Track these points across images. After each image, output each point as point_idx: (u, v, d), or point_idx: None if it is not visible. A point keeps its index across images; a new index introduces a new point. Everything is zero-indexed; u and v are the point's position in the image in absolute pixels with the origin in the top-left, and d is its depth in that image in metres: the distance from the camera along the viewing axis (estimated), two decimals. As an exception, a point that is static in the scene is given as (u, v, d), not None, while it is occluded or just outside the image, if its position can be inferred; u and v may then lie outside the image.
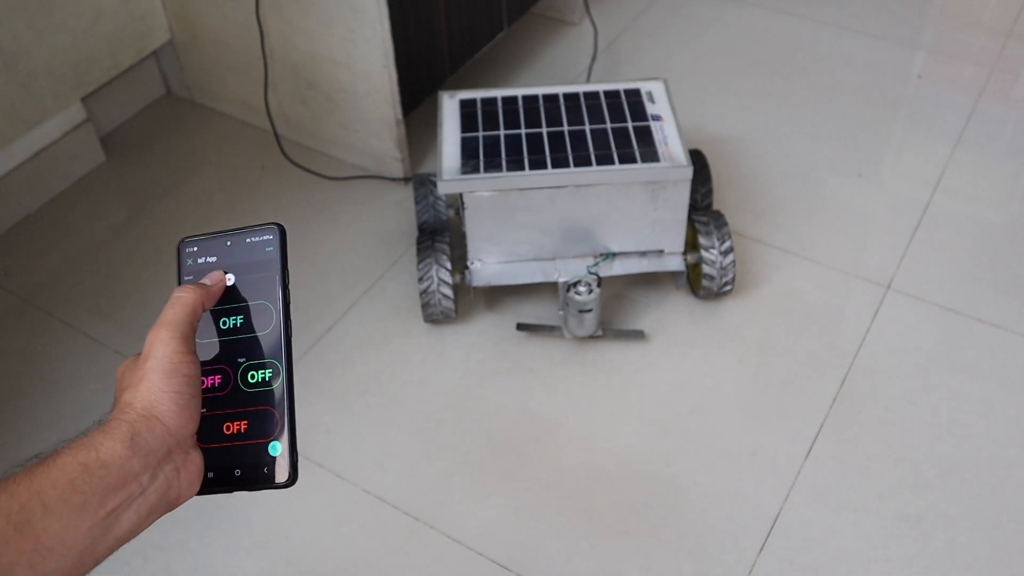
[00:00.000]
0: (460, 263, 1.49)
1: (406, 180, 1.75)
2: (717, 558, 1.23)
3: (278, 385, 0.53)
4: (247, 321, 0.54)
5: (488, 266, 1.47)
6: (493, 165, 1.39)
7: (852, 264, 1.60)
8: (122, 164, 1.85)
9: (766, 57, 2.06)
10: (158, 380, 0.50)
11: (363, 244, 1.66)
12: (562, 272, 1.45)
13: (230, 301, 0.54)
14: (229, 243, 0.55)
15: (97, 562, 0.47)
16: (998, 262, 1.61)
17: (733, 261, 1.44)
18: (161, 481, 0.49)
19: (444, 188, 1.38)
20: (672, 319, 1.52)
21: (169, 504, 0.50)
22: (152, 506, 0.48)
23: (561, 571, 1.23)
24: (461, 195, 1.39)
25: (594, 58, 2.00)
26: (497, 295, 1.55)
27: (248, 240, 0.54)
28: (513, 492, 1.31)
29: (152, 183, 1.81)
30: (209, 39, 1.81)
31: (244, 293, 0.54)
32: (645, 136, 1.44)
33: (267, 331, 0.53)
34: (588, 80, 1.97)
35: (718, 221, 1.47)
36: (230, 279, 0.54)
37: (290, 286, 0.54)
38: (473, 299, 1.53)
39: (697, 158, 1.59)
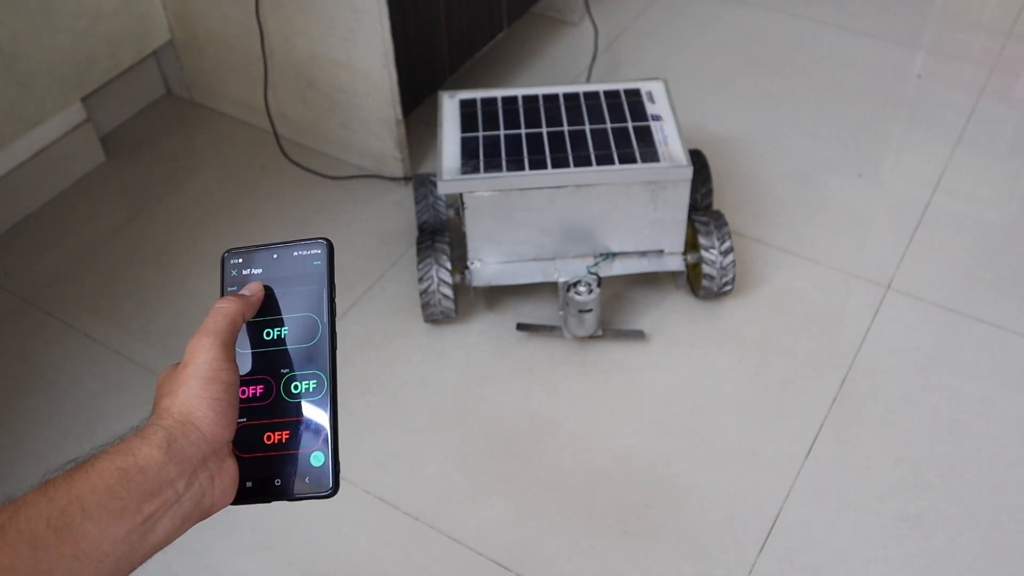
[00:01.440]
0: (460, 263, 1.49)
1: (406, 180, 1.75)
2: (717, 558, 1.23)
3: (322, 396, 0.53)
4: (291, 333, 0.54)
5: (488, 266, 1.46)
6: (493, 165, 1.39)
7: (852, 264, 1.60)
8: (122, 164, 1.85)
9: (766, 57, 2.07)
10: (196, 386, 0.50)
11: (363, 244, 1.66)
12: (562, 272, 1.45)
13: (274, 312, 0.54)
14: (275, 256, 0.55)
15: (133, 568, 0.47)
16: (998, 262, 1.61)
17: (733, 261, 1.44)
18: (196, 489, 0.49)
19: (444, 188, 1.38)
20: (672, 319, 1.52)
21: (203, 512, 0.50)
22: (187, 513, 0.48)
23: (561, 571, 1.23)
24: (461, 195, 1.39)
25: (594, 58, 2.00)
26: (497, 295, 1.55)
27: (295, 253, 0.55)
28: (513, 492, 1.31)
29: (152, 183, 1.81)
30: (209, 39, 1.81)
31: (289, 305, 0.54)
32: (645, 136, 1.43)
33: (312, 343, 0.53)
34: (588, 80, 1.97)
35: (718, 221, 1.47)
36: (271, 291, 0.55)
37: (336, 300, 0.55)
38: (473, 299, 1.53)
39: (697, 158, 1.59)
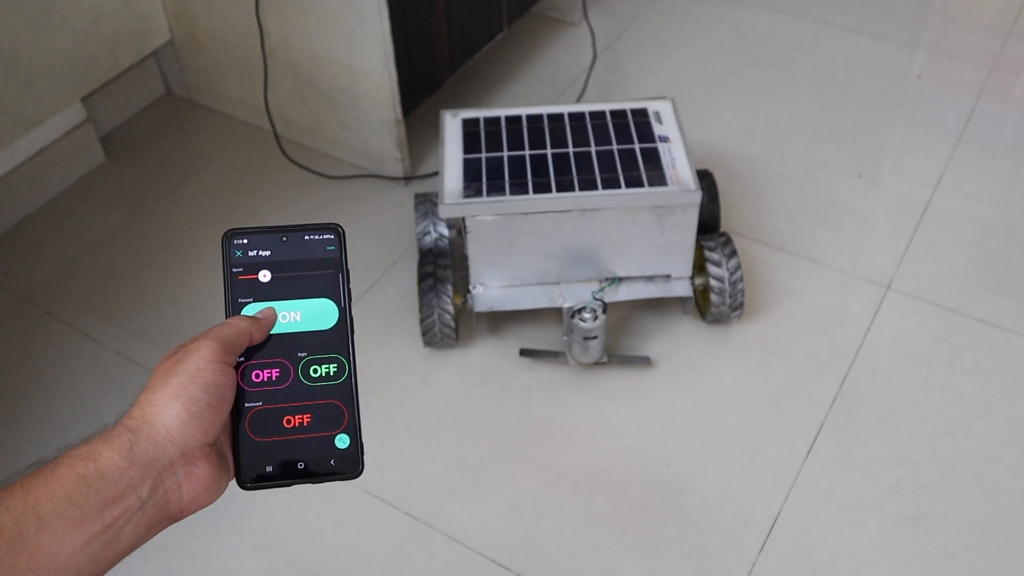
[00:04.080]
0: (462, 285, 1.45)
1: (406, 180, 1.75)
2: (717, 558, 1.23)
3: (344, 380, 0.53)
4: (307, 316, 0.54)
5: (491, 290, 1.42)
6: (496, 188, 1.35)
7: (852, 264, 1.60)
8: (122, 164, 1.85)
9: (766, 57, 2.06)
10: (176, 383, 0.48)
11: (363, 244, 1.66)
12: (567, 297, 1.41)
13: (286, 296, 0.54)
14: (285, 239, 0.55)
15: None
16: (998, 262, 1.61)
17: (742, 288, 1.41)
18: (160, 494, 0.47)
19: (446, 212, 1.33)
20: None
21: (170, 517, 0.48)
22: (151, 521, 0.47)
23: (561, 571, 1.23)
24: (463, 219, 1.35)
25: (594, 61, 2.00)
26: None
27: (307, 237, 0.55)
28: (513, 492, 1.31)
29: (152, 183, 1.81)
30: (209, 39, 1.81)
31: (302, 289, 0.54)
32: (652, 158, 1.39)
33: (329, 327, 0.54)
34: (587, 83, 1.96)
35: (726, 246, 1.42)
36: (282, 274, 0.54)
37: (350, 284, 0.55)
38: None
39: (704, 178, 1.54)
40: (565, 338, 1.41)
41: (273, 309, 0.54)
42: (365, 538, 1.27)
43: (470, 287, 1.42)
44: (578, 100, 1.91)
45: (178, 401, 0.48)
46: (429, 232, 1.52)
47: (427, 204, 1.53)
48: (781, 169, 1.79)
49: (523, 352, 1.45)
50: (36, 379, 1.47)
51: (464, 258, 1.43)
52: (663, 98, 1.51)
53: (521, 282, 1.43)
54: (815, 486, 1.30)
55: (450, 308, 1.39)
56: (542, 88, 1.98)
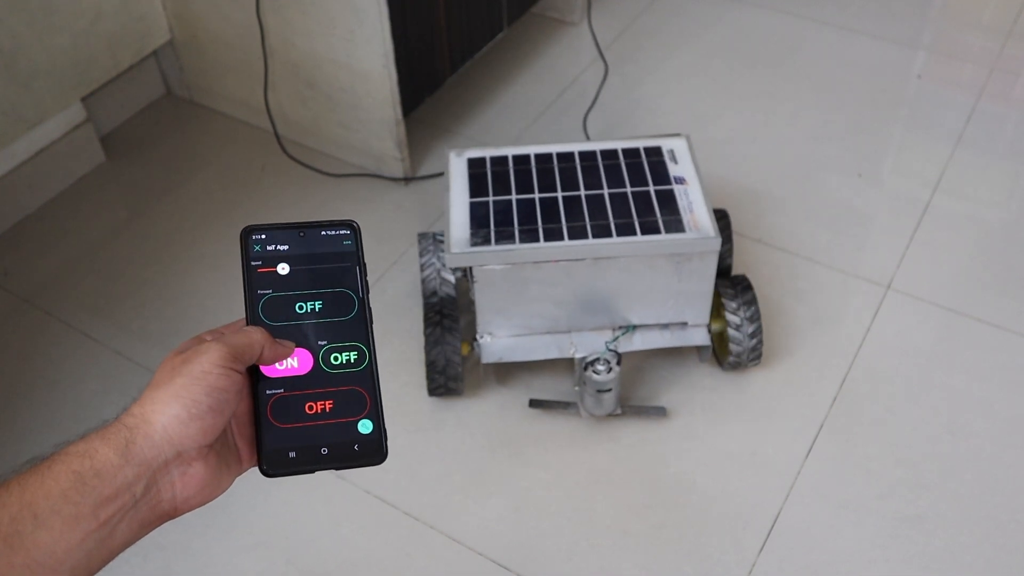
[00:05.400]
0: (469, 331, 1.40)
1: (406, 180, 1.75)
2: (717, 558, 1.23)
3: (365, 367, 0.55)
4: (326, 307, 0.55)
5: (499, 340, 1.36)
6: (505, 235, 1.28)
7: (852, 264, 1.60)
8: (122, 164, 1.85)
9: (766, 57, 2.06)
10: (179, 384, 0.48)
11: (363, 244, 1.65)
12: (578, 347, 1.35)
13: (304, 287, 0.55)
14: (302, 234, 0.56)
15: (92, 573, 0.45)
16: (998, 262, 1.61)
17: (761, 338, 1.36)
18: (153, 493, 0.47)
19: (453, 261, 1.27)
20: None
21: (163, 516, 0.48)
22: (143, 519, 0.47)
23: (561, 571, 1.23)
24: (471, 267, 1.29)
25: (606, 76, 2.00)
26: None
27: (323, 233, 0.57)
28: (513, 492, 1.31)
29: (152, 183, 1.81)
30: (209, 39, 1.81)
31: (321, 281, 0.55)
32: (668, 202, 1.31)
33: (349, 317, 0.55)
34: (596, 98, 1.94)
35: (745, 295, 1.37)
36: (300, 266, 0.55)
37: (367, 278, 0.56)
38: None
39: (720, 218, 1.48)
40: (577, 388, 1.36)
41: (293, 346, 0.54)
42: (365, 538, 1.27)
43: (477, 336, 1.36)
44: (587, 113, 1.90)
45: (178, 402, 0.48)
46: (433, 273, 1.45)
47: (430, 242, 1.47)
48: (781, 169, 1.79)
49: (533, 403, 1.40)
50: (36, 379, 1.47)
51: (470, 303, 1.37)
52: (678, 135, 1.44)
53: (531, 331, 1.36)
54: (815, 486, 1.30)
55: (458, 360, 1.34)
56: (542, 89, 1.98)
